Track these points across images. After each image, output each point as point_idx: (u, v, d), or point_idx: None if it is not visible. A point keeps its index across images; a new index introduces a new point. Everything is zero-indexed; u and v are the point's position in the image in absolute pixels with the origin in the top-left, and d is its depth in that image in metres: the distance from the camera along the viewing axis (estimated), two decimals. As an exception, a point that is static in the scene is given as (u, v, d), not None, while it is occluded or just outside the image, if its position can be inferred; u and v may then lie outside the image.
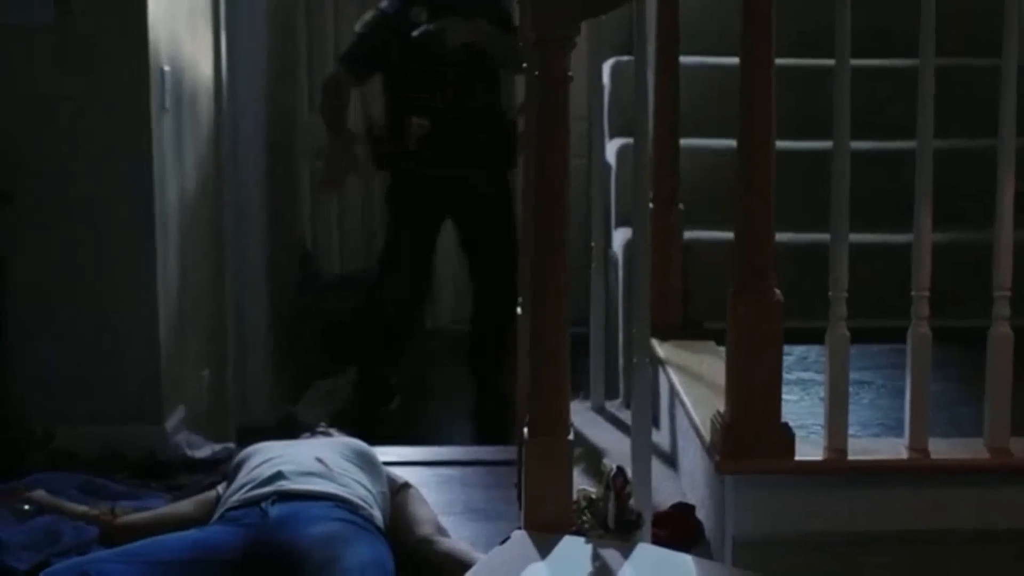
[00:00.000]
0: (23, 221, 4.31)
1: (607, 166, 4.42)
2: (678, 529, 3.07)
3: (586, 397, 4.17)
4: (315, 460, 3.47)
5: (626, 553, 2.67)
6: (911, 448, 2.82)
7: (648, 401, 2.93)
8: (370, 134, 5.70)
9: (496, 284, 5.54)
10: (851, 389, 3.30)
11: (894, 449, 2.85)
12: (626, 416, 3.78)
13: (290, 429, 4.29)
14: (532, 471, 2.80)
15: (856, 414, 3.14)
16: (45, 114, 4.33)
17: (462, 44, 5.29)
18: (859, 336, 3.47)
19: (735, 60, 2.75)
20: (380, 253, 5.81)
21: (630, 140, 3.55)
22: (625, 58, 4.54)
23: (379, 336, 5.56)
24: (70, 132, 4.33)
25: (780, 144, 3.88)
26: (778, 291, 2.78)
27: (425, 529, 3.57)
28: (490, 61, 5.41)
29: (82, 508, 3.73)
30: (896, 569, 2.81)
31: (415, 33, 5.25)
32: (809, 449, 2.82)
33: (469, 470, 4.95)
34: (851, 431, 2.91)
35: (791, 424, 2.86)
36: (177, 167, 4.62)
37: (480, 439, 5.50)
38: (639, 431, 2.90)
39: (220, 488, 3.58)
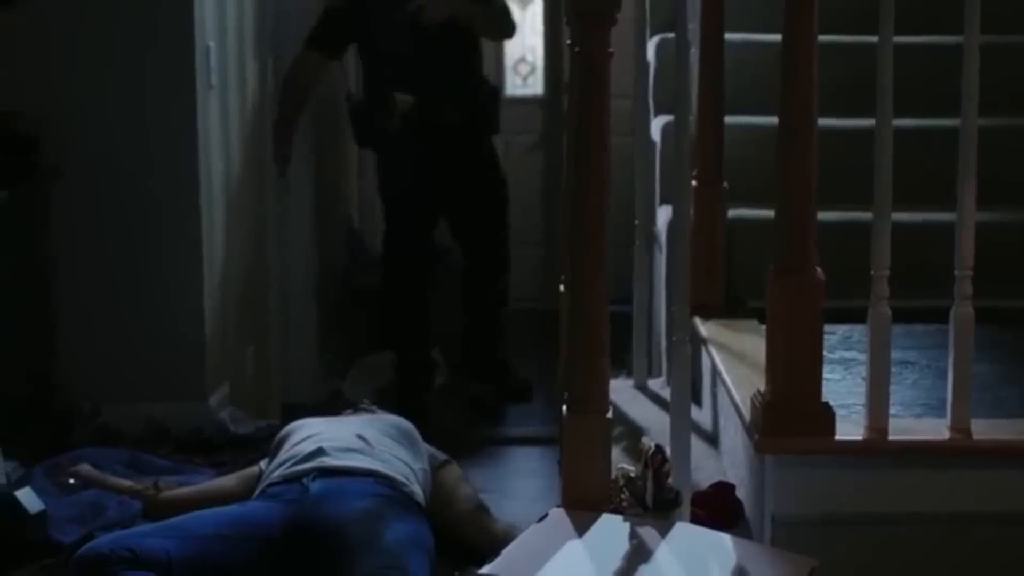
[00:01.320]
0: (71, 198, 4.34)
1: (652, 144, 4.40)
2: (718, 508, 3.05)
3: (629, 375, 4.16)
4: (356, 437, 3.48)
5: (664, 531, 2.66)
6: (953, 428, 2.79)
7: (687, 380, 2.92)
8: (351, 111, 5.54)
9: (486, 258, 5.54)
10: (894, 369, 3.28)
11: (936, 429, 2.82)
12: (668, 394, 3.75)
13: (335, 406, 4.30)
14: (570, 449, 2.80)
15: (899, 394, 3.12)
16: (93, 91, 4.35)
17: (446, 17, 5.18)
18: (906, 315, 3.46)
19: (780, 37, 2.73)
20: (383, 237, 5.61)
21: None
22: (671, 35, 4.50)
23: (414, 316, 5.49)
24: (117, 109, 4.36)
25: (831, 122, 3.88)
26: (819, 269, 2.76)
27: (466, 506, 3.58)
28: (472, 31, 5.33)
29: (126, 483, 3.76)
30: (936, 550, 2.79)
31: (410, 8, 5.11)
32: (850, 428, 2.80)
33: (512, 447, 4.97)
34: (893, 411, 2.88)
35: (832, 404, 2.84)
36: (223, 144, 4.64)
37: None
38: (678, 409, 2.89)
39: (262, 464, 3.60)
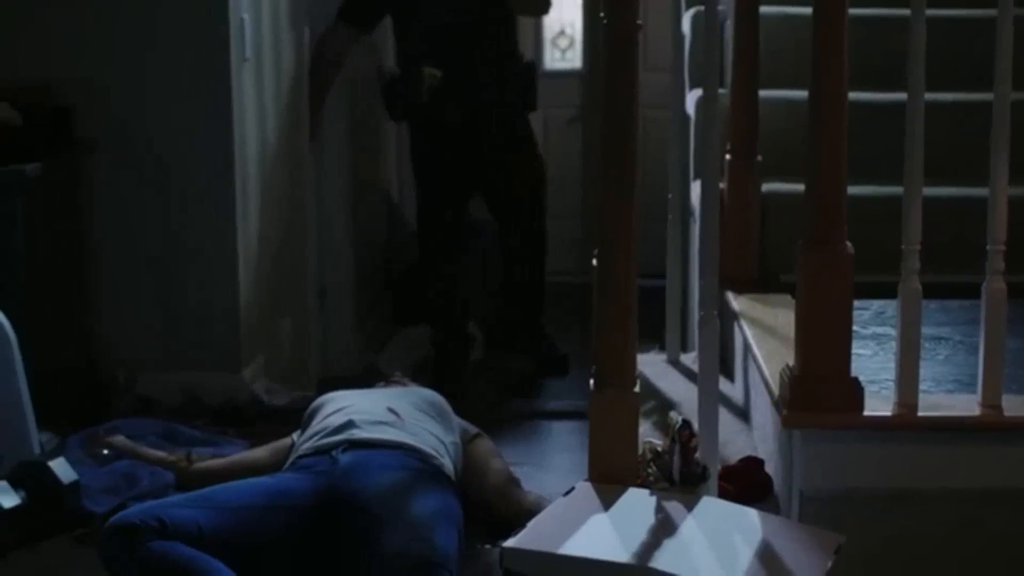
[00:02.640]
0: (106, 169, 4.37)
1: (687, 117, 4.38)
2: (746, 483, 3.05)
3: (662, 349, 4.16)
4: (387, 410, 3.49)
5: (690, 506, 2.66)
6: (984, 404, 2.78)
7: (716, 354, 2.91)
8: (382, 84, 5.52)
9: (523, 234, 5.47)
10: (927, 345, 3.27)
11: (966, 405, 2.81)
12: (700, 369, 3.76)
13: (372, 379, 4.31)
14: (597, 423, 2.80)
15: (931, 370, 3.10)
16: (127, 63, 4.37)
17: None
18: (941, 291, 3.44)
19: (813, 10, 2.71)
20: (416, 211, 5.58)
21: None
22: (706, 8, 4.49)
23: (448, 290, 5.47)
24: (152, 81, 4.38)
25: (866, 96, 3.85)
26: (849, 244, 2.74)
27: (497, 479, 3.58)
28: (507, 6, 5.29)
29: (159, 453, 3.78)
30: (966, 526, 2.78)
31: None
32: (879, 404, 2.78)
33: (548, 421, 4.97)
34: (924, 387, 2.87)
35: (863, 379, 2.83)
36: (258, 117, 4.65)
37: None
38: (706, 384, 2.89)
39: (294, 436, 3.61)
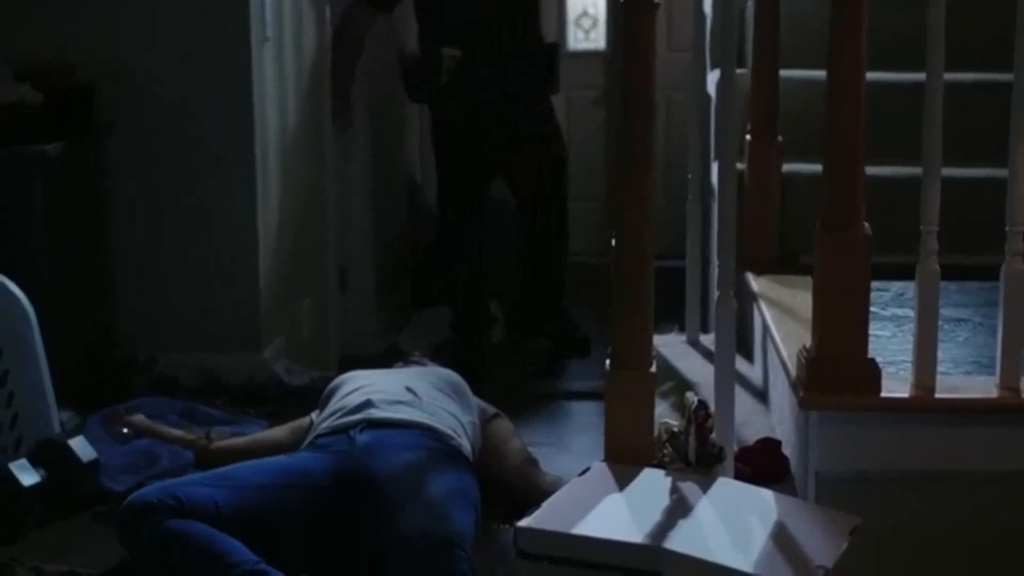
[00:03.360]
0: (125, 151, 4.37)
1: (707, 98, 4.36)
2: (763, 464, 3.04)
3: (682, 330, 4.15)
4: (405, 389, 3.49)
5: (705, 487, 2.66)
6: (1002, 387, 2.76)
7: (732, 335, 2.90)
8: (402, 66, 5.50)
9: (544, 218, 5.39)
10: (947, 326, 3.26)
11: (984, 387, 2.79)
12: (720, 350, 3.75)
13: (393, 359, 4.30)
14: (613, 404, 2.80)
15: (950, 352, 3.09)
16: (148, 43, 4.38)
17: None
18: (962, 273, 3.43)
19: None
20: (436, 196, 5.53)
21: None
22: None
23: (467, 271, 5.44)
24: (172, 62, 4.38)
25: (884, 76, 3.82)
26: (867, 225, 2.73)
27: (515, 460, 3.58)
28: None
29: (178, 432, 3.80)
30: (982, 508, 2.77)
31: None
32: (896, 386, 2.77)
33: (569, 402, 4.97)
34: (943, 369, 2.86)
35: (882, 361, 2.82)
36: (278, 97, 4.65)
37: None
38: (723, 365, 2.88)
39: (313, 415, 3.62)
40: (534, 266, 5.52)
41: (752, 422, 3.38)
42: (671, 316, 4.40)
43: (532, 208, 5.42)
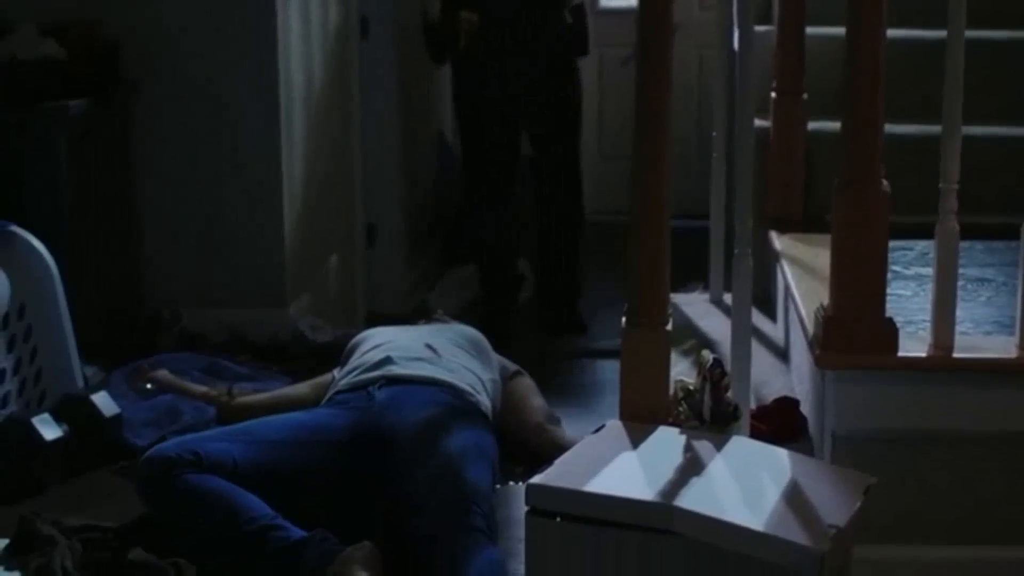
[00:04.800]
0: (150, 107, 4.38)
1: (734, 54, 4.32)
2: (780, 423, 3.03)
3: (706, 289, 4.13)
4: (424, 346, 3.49)
5: (719, 445, 2.64)
6: (1020, 347, 2.73)
7: (748, 293, 2.88)
8: (424, 29, 5.46)
9: (563, 184, 5.37)
10: (970, 286, 3.24)
11: (1003, 347, 2.77)
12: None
13: (418, 317, 4.30)
14: (629, 361, 2.78)
15: (971, 311, 3.07)
16: (171, 2, 4.37)
17: None
18: (988, 232, 3.40)
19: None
20: (462, 155, 5.47)
21: (759, 28, 3.48)
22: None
23: (492, 232, 5.38)
24: (197, 18, 4.38)
25: (907, 33, 3.78)
26: (886, 183, 2.70)
27: (535, 417, 3.59)
28: None
29: (201, 388, 3.81)
30: (998, 469, 2.75)
31: None
32: (914, 345, 2.75)
33: (596, 360, 4.96)
34: (963, 328, 2.83)
35: (902, 320, 2.80)
36: (304, 53, 4.64)
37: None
38: (739, 323, 2.86)
39: (335, 372, 3.62)
40: (548, 234, 5.44)
41: (772, 382, 3.36)
42: (695, 274, 4.39)
43: (548, 170, 5.35)
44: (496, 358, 3.67)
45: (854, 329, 2.70)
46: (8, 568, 2.89)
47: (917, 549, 2.76)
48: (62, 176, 3.95)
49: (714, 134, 4.03)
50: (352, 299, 5.20)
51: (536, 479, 2.52)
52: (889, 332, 2.71)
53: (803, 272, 3.38)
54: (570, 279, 5.46)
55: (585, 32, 5.31)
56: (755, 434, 2.88)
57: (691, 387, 2.78)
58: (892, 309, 2.80)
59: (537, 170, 5.40)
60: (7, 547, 2.96)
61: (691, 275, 4.51)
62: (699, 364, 2.78)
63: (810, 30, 3.90)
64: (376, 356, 3.45)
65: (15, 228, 3.68)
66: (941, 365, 2.71)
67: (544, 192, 5.38)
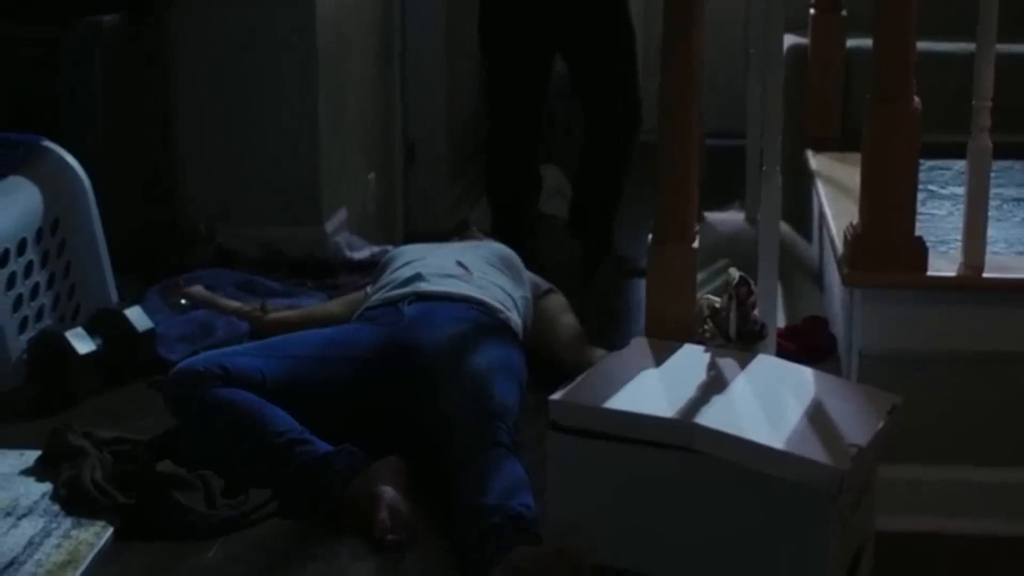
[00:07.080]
0: (185, 23, 4.36)
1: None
2: (807, 342, 3.02)
3: (742, 207, 4.11)
4: (455, 263, 3.48)
5: (743, 363, 2.63)
6: (1054, 267, 2.71)
7: (777, 211, 2.86)
8: None
9: (608, 116, 4.70)
10: (1006, 206, 3.20)
11: (1034, 268, 2.74)
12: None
13: (454, 234, 4.26)
14: (655, 278, 2.77)
15: (1005, 231, 3.04)
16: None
17: None
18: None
19: None
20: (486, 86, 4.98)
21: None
22: None
23: (508, 174, 5.07)
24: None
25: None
26: (917, 99, 2.66)
27: (566, 334, 3.58)
28: None
29: (234, 304, 3.82)
30: (1025, 390, 2.73)
31: None
32: (943, 264, 2.72)
33: (632, 280, 4.92)
34: (996, 248, 2.81)
35: (935, 240, 2.77)
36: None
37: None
38: (767, 240, 2.84)
39: (368, 289, 3.62)
40: (590, 174, 4.90)
41: (804, 301, 3.34)
42: (731, 193, 4.36)
43: (594, 108, 4.75)
44: (528, 276, 3.66)
45: (882, 247, 2.68)
46: (39, 479, 2.93)
47: (944, 469, 2.75)
48: (97, 91, 3.95)
49: (751, 51, 3.99)
50: (392, 217, 5.18)
51: (557, 395, 2.52)
52: (918, 250, 2.69)
53: (837, 191, 3.35)
54: (613, 196, 5.07)
55: None
56: (782, 353, 2.87)
57: (717, 305, 2.76)
58: (925, 229, 2.77)
59: (582, 87, 4.80)
60: (39, 458, 3.00)
61: (731, 195, 4.47)
62: (725, 282, 2.76)
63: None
64: (406, 273, 3.44)
65: (48, 143, 3.68)
66: (971, 285, 2.68)
67: (595, 103, 4.75)
